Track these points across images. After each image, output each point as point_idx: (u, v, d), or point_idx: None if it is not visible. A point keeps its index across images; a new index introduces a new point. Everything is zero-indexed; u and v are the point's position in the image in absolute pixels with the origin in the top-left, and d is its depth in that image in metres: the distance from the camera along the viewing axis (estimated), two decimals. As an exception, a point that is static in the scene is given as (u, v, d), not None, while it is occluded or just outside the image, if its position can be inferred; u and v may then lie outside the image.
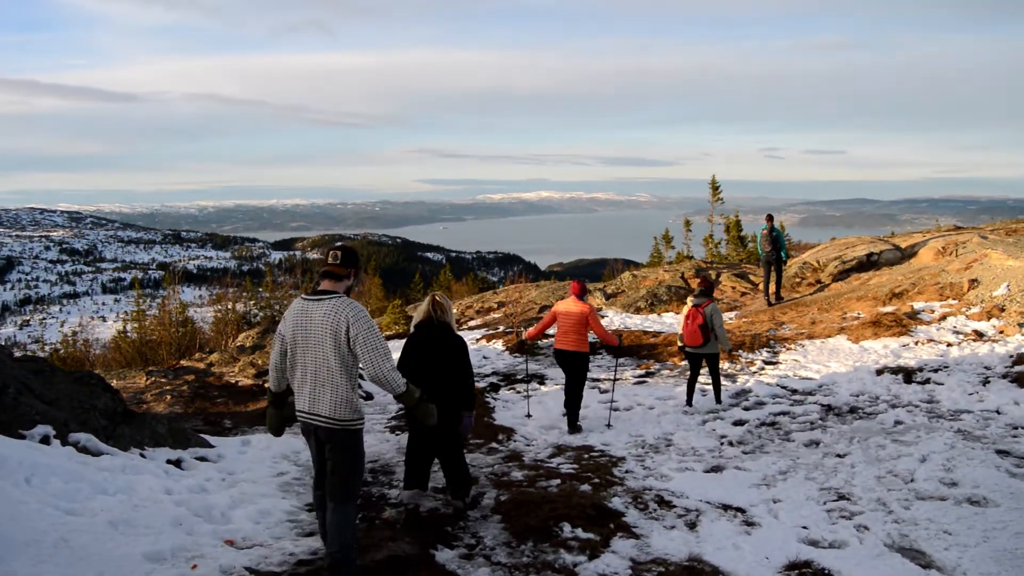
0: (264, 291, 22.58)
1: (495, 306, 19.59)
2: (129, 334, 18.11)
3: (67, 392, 5.68)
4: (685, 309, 8.16)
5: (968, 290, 11.21)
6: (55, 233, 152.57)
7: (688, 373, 8.37)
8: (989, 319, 9.91)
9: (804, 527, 4.67)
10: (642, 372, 10.16)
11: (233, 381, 10.29)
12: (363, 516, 4.76)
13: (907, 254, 14.83)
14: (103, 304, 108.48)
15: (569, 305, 7.55)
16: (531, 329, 8.01)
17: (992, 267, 11.61)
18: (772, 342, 10.70)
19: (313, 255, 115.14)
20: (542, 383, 9.85)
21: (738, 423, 7.35)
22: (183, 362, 12.50)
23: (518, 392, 9.42)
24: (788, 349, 10.28)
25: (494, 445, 6.95)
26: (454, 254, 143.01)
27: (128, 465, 4.88)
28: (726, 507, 5.08)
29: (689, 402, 8.14)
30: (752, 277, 16.61)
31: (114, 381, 9.49)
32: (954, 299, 11.18)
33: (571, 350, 7.47)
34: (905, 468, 5.52)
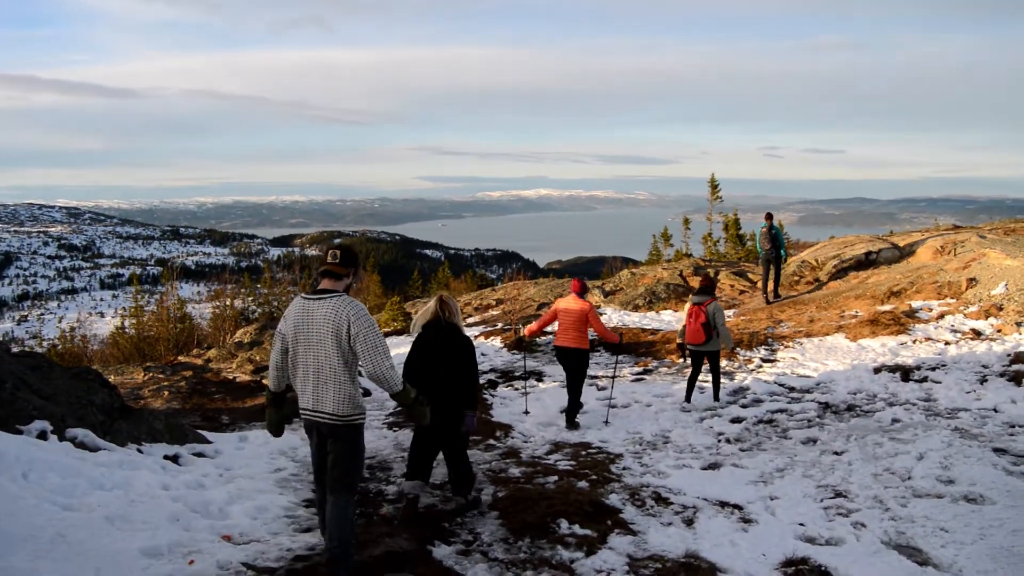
0: (262, 287, 22.54)
1: (493, 303, 19.60)
2: (127, 330, 18.07)
3: (64, 388, 5.67)
4: (687, 307, 8.17)
5: (966, 289, 11.22)
6: (53, 229, 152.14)
7: (687, 371, 8.37)
8: (987, 318, 9.92)
9: (801, 524, 4.68)
10: (640, 369, 10.16)
11: (231, 377, 10.30)
12: (361, 512, 4.76)
13: (905, 253, 14.82)
14: (101, 300, 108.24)
15: (569, 302, 7.56)
16: (531, 325, 8.02)
17: (990, 266, 11.61)
18: (770, 340, 10.71)
19: (312, 251, 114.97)
20: (540, 380, 9.85)
21: (736, 420, 7.36)
22: (181, 358, 12.48)
23: (516, 389, 9.42)
24: (786, 347, 10.29)
25: (492, 442, 6.95)
26: (453, 251, 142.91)
27: (125, 461, 4.88)
28: (723, 504, 5.09)
29: (688, 399, 8.16)
30: (751, 275, 16.61)
31: (112, 377, 9.47)
32: (952, 298, 11.20)
33: (571, 347, 7.48)
34: (902, 466, 5.54)
